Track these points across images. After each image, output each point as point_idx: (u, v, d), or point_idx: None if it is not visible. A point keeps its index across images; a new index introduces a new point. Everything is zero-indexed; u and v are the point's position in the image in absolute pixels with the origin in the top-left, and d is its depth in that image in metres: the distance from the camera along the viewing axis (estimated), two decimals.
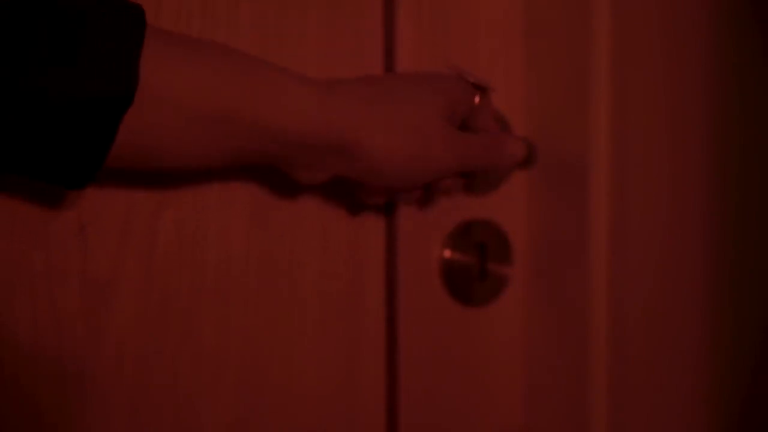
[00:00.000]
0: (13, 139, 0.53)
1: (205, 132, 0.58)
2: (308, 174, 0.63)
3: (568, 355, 0.83)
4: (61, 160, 0.55)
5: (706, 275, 0.82)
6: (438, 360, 0.77)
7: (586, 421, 0.82)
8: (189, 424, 0.69)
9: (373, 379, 0.75)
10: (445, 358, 0.77)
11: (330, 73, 0.70)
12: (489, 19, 0.75)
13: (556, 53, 0.81)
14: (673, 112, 0.82)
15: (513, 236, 0.78)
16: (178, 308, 0.67)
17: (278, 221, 0.70)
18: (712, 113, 0.81)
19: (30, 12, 0.52)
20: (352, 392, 0.74)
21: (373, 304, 0.73)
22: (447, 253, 0.78)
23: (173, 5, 0.67)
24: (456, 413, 0.78)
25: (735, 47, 0.80)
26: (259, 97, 0.60)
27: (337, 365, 0.72)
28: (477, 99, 0.70)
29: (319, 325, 0.71)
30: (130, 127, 0.55)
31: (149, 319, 0.66)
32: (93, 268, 0.65)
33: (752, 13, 0.79)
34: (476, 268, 0.79)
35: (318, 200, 0.72)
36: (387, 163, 0.62)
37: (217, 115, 0.59)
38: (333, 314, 0.72)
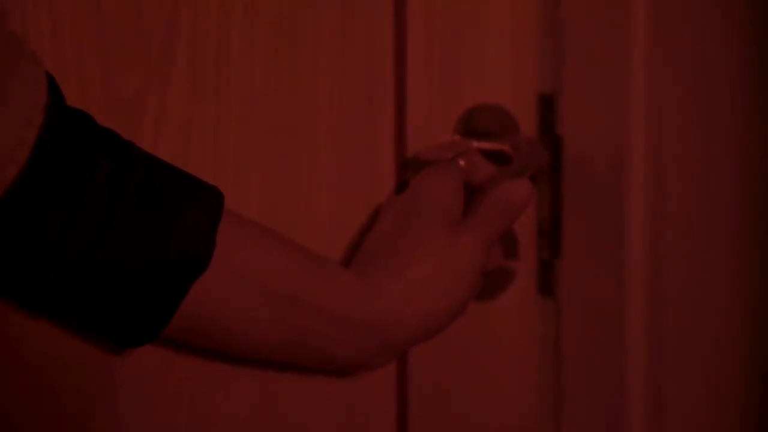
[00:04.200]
0: (81, 292, 0.57)
1: (269, 309, 0.63)
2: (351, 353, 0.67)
3: (605, 358, 0.84)
4: (124, 318, 0.59)
5: (746, 276, 0.83)
6: (446, 354, 0.78)
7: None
8: (206, 416, 0.71)
9: (383, 373, 0.76)
10: (453, 351, 0.78)
11: (341, 75, 0.72)
12: (501, 18, 0.76)
13: (591, 45, 0.83)
14: (710, 110, 0.83)
15: (519, 229, 0.78)
16: None
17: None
18: (748, 113, 0.82)
19: (122, 175, 0.57)
20: (363, 385, 0.75)
21: None
22: None
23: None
24: (465, 407, 0.79)
25: None
26: (319, 280, 0.64)
27: None
28: (462, 162, 0.71)
29: None
30: (199, 296, 0.59)
31: None
32: None
33: None
34: None
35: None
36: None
37: (282, 294, 0.63)
38: None
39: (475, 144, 0.73)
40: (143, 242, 0.57)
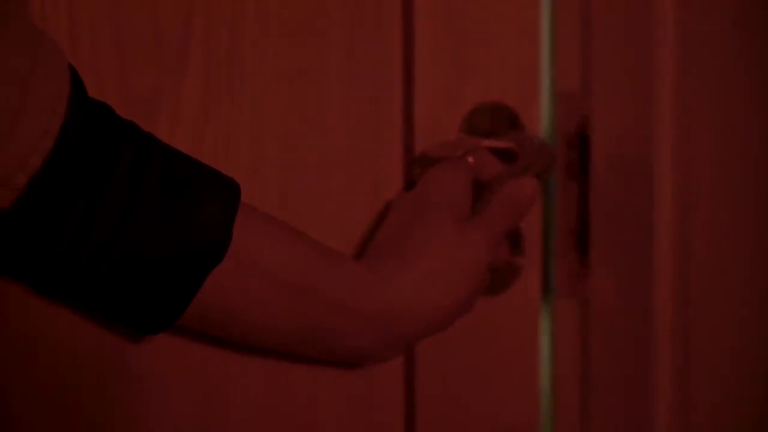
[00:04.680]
0: (101, 281, 0.58)
1: (281, 300, 0.64)
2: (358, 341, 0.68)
3: (633, 357, 0.84)
4: (142, 306, 0.60)
5: None
6: (452, 349, 0.79)
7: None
8: (219, 408, 0.72)
9: (390, 367, 0.77)
10: (459, 346, 0.79)
11: (350, 73, 0.73)
12: (506, 19, 0.77)
13: (619, 45, 0.83)
14: (738, 109, 0.83)
15: (524, 226, 0.79)
16: None
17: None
18: None
19: (143, 167, 0.58)
20: (371, 378, 0.77)
21: None
22: None
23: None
24: (472, 404, 0.80)
25: None
26: (331, 272, 0.65)
27: None
28: (471, 160, 0.73)
29: None
30: (214, 285, 0.61)
31: None
32: None
33: None
34: None
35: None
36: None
37: (295, 285, 0.64)
38: None
39: (483, 142, 0.74)
40: (163, 233, 0.58)
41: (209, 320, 0.63)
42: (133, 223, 0.58)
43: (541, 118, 0.79)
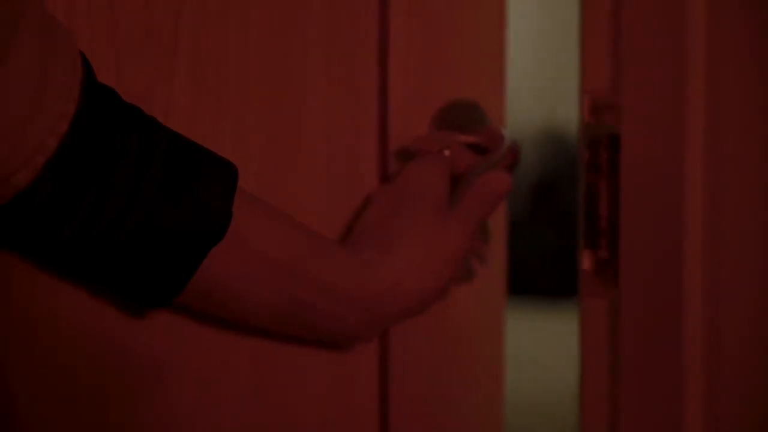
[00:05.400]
0: (109, 258, 0.62)
1: (272, 280, 0.67)
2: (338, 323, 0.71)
3: (662, 355, 0.84)
4: (146, 281, 0.64)
5: None
6: (424, 333, 0.81)
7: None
8: (209, 392, 0.75)
9: (366, 351, 0.80)
10: (431, 331, 0.81)
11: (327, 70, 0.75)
12: (474, 20, 0.80)
13: (649, 44, 0.83)
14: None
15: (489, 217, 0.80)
16: None
17: None
18: None
19: (148, 151, 0.62)
20: (347, 365, 0.79)
21: None
22: None
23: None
24: (441, 386, 0.82)
25: None
26: (320, 255, 0.69)
27: None
28: (447, 153, 0.75)
29: None
30: (212, 263, 0.64)
31: None
32: None
33: None
34: None
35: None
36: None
37: (285, 266, 0.67)
38: None
39: (458, 137, 0.76)
40: (167, 212, 0.62)
41: (205, 298, 0.67)
42: (140, 202, 0.61)
43: (506, 114, 0.81)
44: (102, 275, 0.64)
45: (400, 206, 0.73)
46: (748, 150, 0.82)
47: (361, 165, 0.77)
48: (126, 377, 0.73)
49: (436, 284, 0.72)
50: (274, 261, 0.67)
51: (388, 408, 0.81)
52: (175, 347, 0.74)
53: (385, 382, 0.81)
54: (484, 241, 0.80)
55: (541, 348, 3.04)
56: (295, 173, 0.75)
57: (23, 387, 0.71)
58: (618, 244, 0.86)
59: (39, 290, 0.70)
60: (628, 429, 0.86)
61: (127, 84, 0.70)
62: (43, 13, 0.59)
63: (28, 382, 0.71)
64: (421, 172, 0.74)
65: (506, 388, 0.85)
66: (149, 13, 0.71)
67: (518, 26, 4.04)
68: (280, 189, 0.75)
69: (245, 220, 0.65)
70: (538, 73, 3.94)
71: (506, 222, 0.83)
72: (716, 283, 0.83)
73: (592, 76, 0.86)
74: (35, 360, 0.71)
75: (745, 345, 0.83)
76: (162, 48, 0.71)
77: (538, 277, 3.49)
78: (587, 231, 0.87)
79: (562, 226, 3.49)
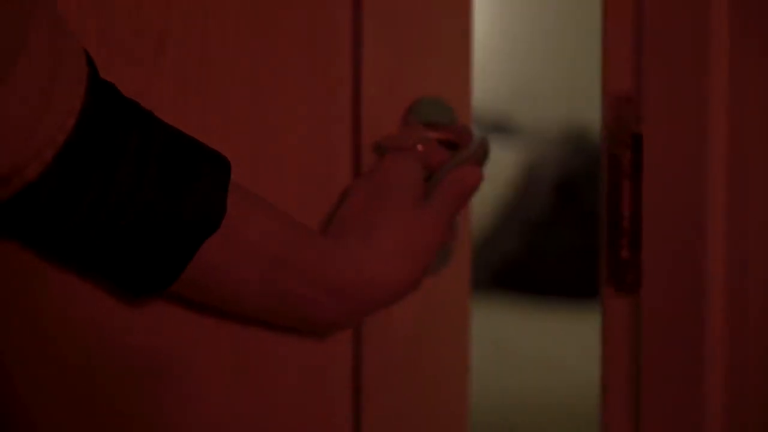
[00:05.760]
0: (112, 248, 0.64)
1: (260, 270, 0.69)
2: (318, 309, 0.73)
3: (684, 355, 0.84)
4: (144, 270, 0.66)
5: None
6: (395, 324, 0.83)
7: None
8: (191, 373, 0.77)
9: (340, 339, 0.82)
10: (402, 322, 0.84)
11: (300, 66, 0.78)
12: (442, 20, 0.83)
13: (672, 43, 0.83)
14: None
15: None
16: None
17: None
18: None
19: (148, 144, 0.64)
20: (322, 354, 0.82)
21: None
22: None
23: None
24: (411, 376, 0.85)
25: None
26: (306, 246, 0.71)
27: None
28: (421, 148, 0.78)
29: None
30: (206, 252, 0.67)
31: None
32: None
33: None
34: None
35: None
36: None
37: (273, 256, 0.70)
38: None
39: (430, 133, 0.79)
40: (166, 203, 0.64)
41: (196, 286, 0.69)
42: (140, 194, 0.63)
43: (471, 111, 0.84)
44: (100, 264, 0.66)
45: (377, 199, 0.75)
46: None
47: (335, 160, 0.80)
48: (128, 371, 0.75)
49: (413, 274, 0.75)
50: (264, 252, 0.69)
51: (360, 396, 0.83)
52: (176, 343, 0.76)
53: (358, 370, 0.83)
54: (452, 235, 0.82)
55: (563, 348, 3.04)
56: (271, 168, 0.77)
57: (30, 384, 0.73)
58: (640, 244, 0.86)
59: (49, 288, 0.72)
60: (650, 430, 0.87)
61: (116, 82, 0.71)
62: (53, 13, 0.61)
63: (36, 379, 0.73)
64: (397, 166, 0.77)
65: (471, 375, 0.87)
66: (138, 14, 0.73)
67: (541, 27, 4.04)
68: (258, 183, 0.77)
69: (237, 212, 0.68)
70: (561, 74, 3.94)
71: (470, 216, 0.86)
72: (739, 282, 0.83)
73: (614, 76, 0.86)
74: (43, 356, 0.73)
75: None
76: (150, 48, 0.73)
77: (560, 277, 3.49)
78: (609, 231, 0.87)
79: (584, 226, 3.49)
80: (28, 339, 0.72)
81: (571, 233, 3.54)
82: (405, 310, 0.83)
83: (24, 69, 0.58)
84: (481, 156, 0.80)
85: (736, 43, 0.82)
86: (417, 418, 0.85)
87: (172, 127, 0.66)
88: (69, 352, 0.73)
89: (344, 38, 0.80)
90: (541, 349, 3.05)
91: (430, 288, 0.84)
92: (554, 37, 3.99)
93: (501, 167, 3.67)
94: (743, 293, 0.83)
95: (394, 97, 0.81)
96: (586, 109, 3.50)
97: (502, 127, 3.87)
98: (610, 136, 0.87)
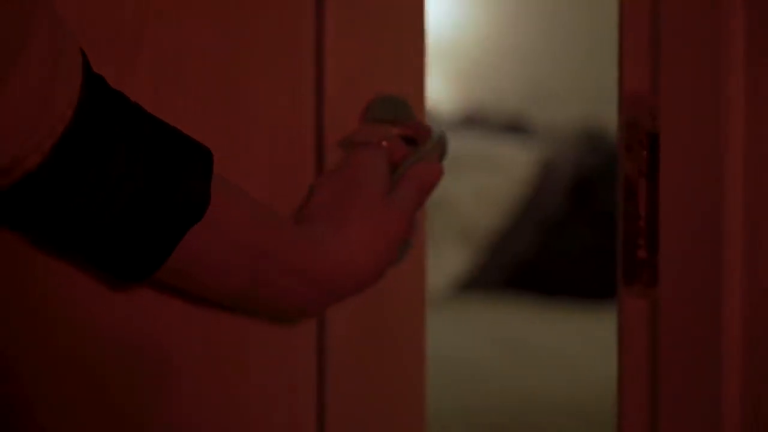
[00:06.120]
0: (102, 234, 0.66)
1: (240, 259, 0.71)
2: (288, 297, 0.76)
3: (701, 358, 0.84)
4: (131, 257, 0.68)
5: None
6: (357, 313, 0.86)
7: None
8: (162, 355, 0.78)
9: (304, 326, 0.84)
10: (362, 312, 0.86)
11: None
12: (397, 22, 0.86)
13: (688, 43, 0.83)
14: None
15: None
16: None
17: None
18: None
19: (137, 136, 0.66)
20: (287, 337, 0.84)
21: None
22: None
23: None
24: (372, 361, 0.88)
25: None
26: (282, 235, 0.73)
27: None
28: (386, 144, 0.81)
29: None
30: (189, 241, 0.69)
31: None
32: None
33: None
34: None
35: None
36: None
37: (255, 246, 0.71)
38: None
39: (393, 130, 0.82)
40: (153, 193, 0.66)
41: (177, 274, 0.70)
42: (129, 184, 0.65)
43: (426, 108, 0.87)
44: (90, 250, 0.67)
45: (346, 192, 0.78)
46: None
47: (298, 155, 0.83)
48: (130, 364, 0.77)
49: (380, 265, 0.77)
50: (244, 240, 0.71)
51: (324, 382, 0.85)
52: (154, 331, 0.78)
53: (322, 359, 0.85)
54: (412, 230, 0.84)
55: (579, 348, 3.03)
56: (238, 163, 0.79)
57: (35, 379, 0.75)
58: (657, 243, 0.86)
59: (53, 282, 0.74)
60: (667, 430, 0.86)
61: None
62: (52, 12, 0.63)
63: (42, 374, 0.75)
64: (366, 161, 0.79)
65: (427, 360, 0.89)
66: (115, 13, 0.75)
67: (558, 26, 4.04)
68: (230, 175, 0.78)
69: (219, 201, 0.69)
70: (577, 73, 3.93)
71: (424, 212, 0.88)
72: (756, 282, 0.83)
73: (630, 75, 0.86)
74: (48, 351, 0.75)
75: None
76: (127, 46, 0.75)
77: (576, 277, 3.49)
78: (626, 231, 0.87)
79: (600, 226, 3.48)
80: (27, 330, 0.74)
81: (587, 233, 3.54)
82: (366, 300, 0.84)
83: (26, 67, 0.60)
84: (440, 151, 0.82)
85: (753, 42, 0.81)
86: (379, 403, 0.87)
87: (158, 119, 0.68)
88: (73, 344, 0.75)
89: (308, 38, 0.82)
90: (557, 349, 3.05)
91: (389, 279, 0.85)
92: (570, 35, 3.99)
93: (516, 167, 3.66)
94: (760, 293, 0.83)
95: (355, 96, 0.84)
96: (603, 108, 3.49)
97: (517, 127, 3.87)
98: (627, 136, 0.86)
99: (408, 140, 0.82)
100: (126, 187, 0.65)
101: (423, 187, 0.80)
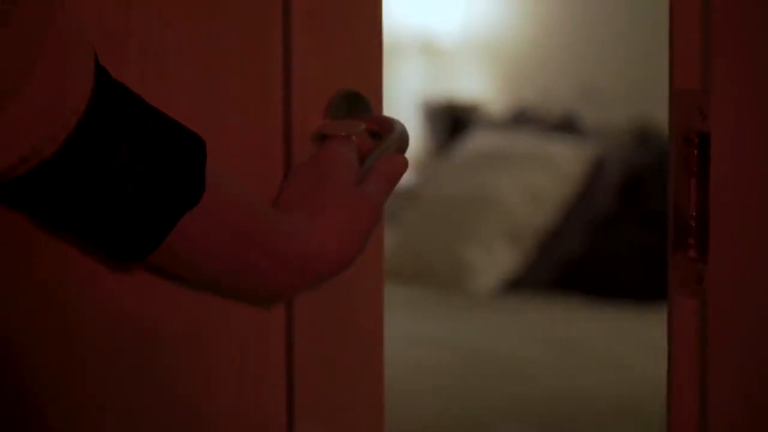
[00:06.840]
0: (102, 217, 0.70)
1: (229, 243, 0.74)
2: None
3: (752, 358, 0.84)
4: (133, 237, 0.71)
5: None
6: (323, 306, 0.89)
7: None
8: (145, 337, 0.82)
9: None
10: (328, 297, 0.89)
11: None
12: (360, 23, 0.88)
13: (742, 42, 0.83)
14: None
15: None
16: None
17: None
18: None
19: (140, 126, 0.70)
20: (257, 325, 0.87)
21: None
22: None
23: None
24: (336, 344, 0.90)
25: None
26: (266, 220, 0.77)
27: None
28: (354, 138, 0.84)
29: None
30: (184, 225, 0.72)
31: None
32: None
33: None
34: None
35: None
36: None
37: (242, 231, 0.75)
38: None
39: (362, 124, 0.85)
40: (155, 180, 0.69)
41: (171, 254, 0.73)
42: (132, 171, 0.69)
43: (382, 103, 0.89)
44: (94, 233, 0.71)
45: (319, 183, 0.80)
46: None
47: (268, 147, 0.86)
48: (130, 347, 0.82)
49: (354, 252, 0.79)
50: (232, 223, 0.74)
51: (293, 367, 0.87)
52: (146, 312, 0.82)
53: (290, 343, 0.87)
54: None
55: (627, 348, 3.02)
56: (210, 156, 0.80)
57: (47, 365, 0.80)
58: (707, 243, 0.85)
59: (50, 267, 0.79)
60: (717, 430, 0.86)
61: None
62: (66, 12, 0.66)
63: (53, 360, 0.80)
64: (336, 154, 0.82)
65: (383, 349, 0.91)
66: (102, 12, 0.79)
67: (608, 24, 4.02)
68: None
69: (210, 187, 0.72)
70: (628, 71, 3.92)
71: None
72: None
73: (682, 75, 0.86)
74: (61, 337, 0.80)
75: None
76: (115, 43, 0.79)
77: (626, 276, 3.47)
78: (676, 230, 0.87)
79: (651, 225, 3.46)
80: (22, 311, 0.79)
81: (637, 232, 3.52)
82: (330, 285, 0.86)
83: (46, 63, 0.64)
84: (403, 144, 0.85)
85: None
86: (342, 390, 0.89)
87: (158, 110, 0.71)
88: (58, 320, 0.80)
89: (276, 39, 0.85)
90: (606, 349, 3.04)
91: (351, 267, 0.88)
92: (621, 34, 3.97)
93: (566, 166, 3.65)
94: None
95: (319, 90, 0.87)
96: (653, 106, 3.47)
97: (567, 126, 3.86)
98: (677, 135, 0.86)
99: (372, 134, 0.86)
100: (131, 173, 0.69)
101: (390, 178, 0.83)
